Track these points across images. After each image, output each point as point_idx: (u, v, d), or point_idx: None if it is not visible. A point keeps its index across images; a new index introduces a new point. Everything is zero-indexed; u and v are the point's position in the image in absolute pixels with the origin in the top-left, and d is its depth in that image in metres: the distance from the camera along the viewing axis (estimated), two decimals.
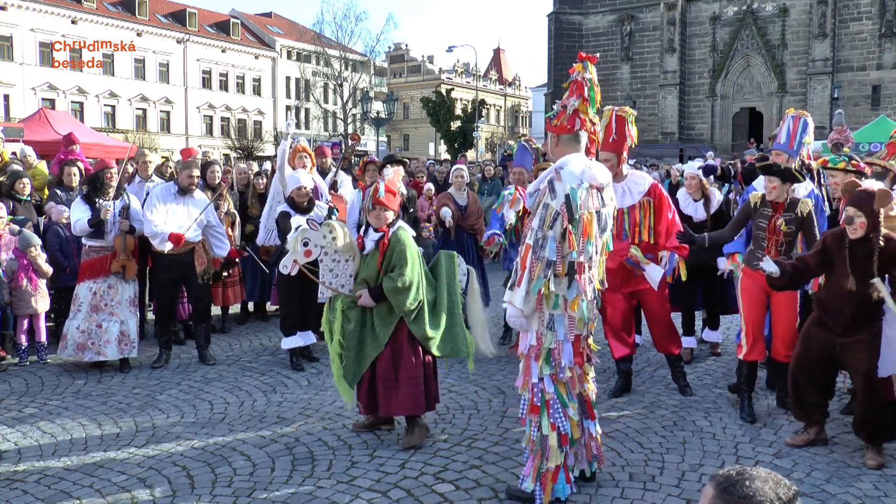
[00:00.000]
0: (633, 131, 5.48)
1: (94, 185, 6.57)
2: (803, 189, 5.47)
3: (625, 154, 5.59)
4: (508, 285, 3.85)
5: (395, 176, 4.91)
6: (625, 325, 5.82)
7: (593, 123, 3.94)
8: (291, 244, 4.82)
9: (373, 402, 4.73)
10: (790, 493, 1.52)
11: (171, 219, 6.55)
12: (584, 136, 3.94)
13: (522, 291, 3.71)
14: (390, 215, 4.73)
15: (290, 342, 6.62)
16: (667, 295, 5.92)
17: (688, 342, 6.87)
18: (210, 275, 7.03)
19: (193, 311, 7.05)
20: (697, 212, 6.86)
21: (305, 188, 6.58)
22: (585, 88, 3.97)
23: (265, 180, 8.72)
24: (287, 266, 4.83)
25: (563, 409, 3.85)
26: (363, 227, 4.97)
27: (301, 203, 6.55)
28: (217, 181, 7.92)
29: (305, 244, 4.77)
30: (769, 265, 4.55)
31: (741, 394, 5.30)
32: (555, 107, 4.06)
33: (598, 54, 4.65)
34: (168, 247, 6.46)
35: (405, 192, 7.10)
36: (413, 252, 4.67)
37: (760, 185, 5.94)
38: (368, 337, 4.69)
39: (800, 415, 4.75)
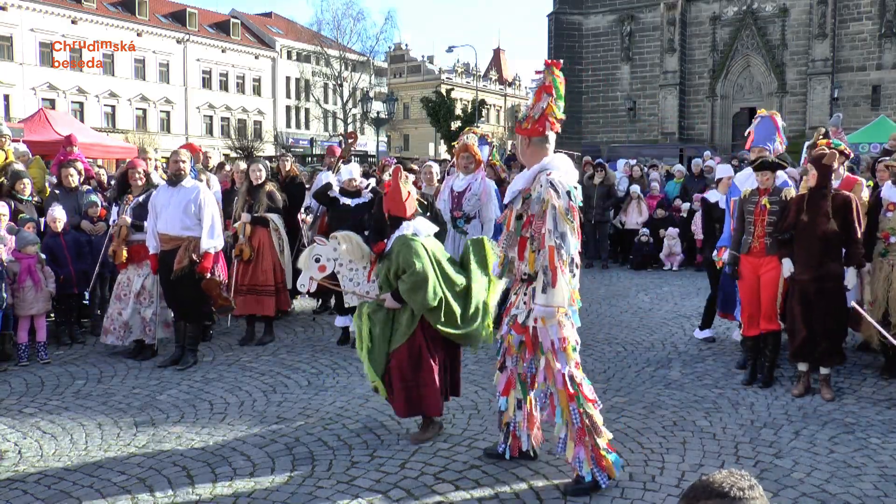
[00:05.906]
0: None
1: (122, 185, 7.01)
2: (781, 179, 6.25)
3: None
4: (540, 289, 3.87)
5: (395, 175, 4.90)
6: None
7: (560, 121, 4.12)
8: (304, 262, 4.85)
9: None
10: (751, 482, 1.53)
11: (164, 211, 6.55)
12: (552, 137, 4.09)
13: (562, 291, 3.84)
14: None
15: (342, 321, 7.24)
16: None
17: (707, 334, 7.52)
18: (184, 273, 6.59)
19: (174, 309, 6.87)
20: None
21: (354, 180, 7.37)
22: (554, 90, 4.06)
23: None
24: (304, 284, 4.86)
25: (589, 388, 4.09)
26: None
27: (350, 190, 7.32)
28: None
29: (317, 260, 4.81)
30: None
31: (747, 364, 6.13)
32: (522, 110, 4.20)
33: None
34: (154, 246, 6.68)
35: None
36: (420, 252, 4.52)
37: (742, 181, 6.65)
38: (395, 333, 4.66)
39: (801, 356, 5.73)
